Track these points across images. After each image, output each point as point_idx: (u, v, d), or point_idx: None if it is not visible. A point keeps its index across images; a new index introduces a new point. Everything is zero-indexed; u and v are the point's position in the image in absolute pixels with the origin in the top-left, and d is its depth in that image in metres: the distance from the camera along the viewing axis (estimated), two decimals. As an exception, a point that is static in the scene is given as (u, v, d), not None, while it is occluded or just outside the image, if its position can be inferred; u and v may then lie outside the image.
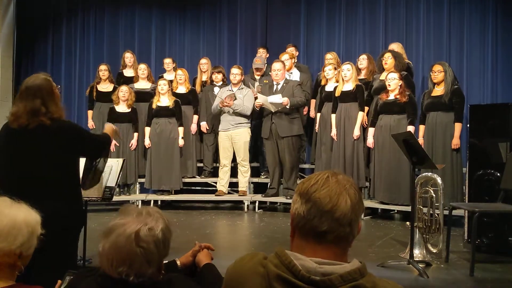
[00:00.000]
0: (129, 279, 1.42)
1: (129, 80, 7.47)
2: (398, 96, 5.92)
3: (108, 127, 3.18)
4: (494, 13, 7.19)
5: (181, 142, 7.01)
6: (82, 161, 3.05)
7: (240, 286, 1.28)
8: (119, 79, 7.54)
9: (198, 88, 7.47)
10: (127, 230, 1.43)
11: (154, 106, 6.96)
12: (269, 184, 6.96)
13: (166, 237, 1.48)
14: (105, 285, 1.46)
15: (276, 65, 6.69)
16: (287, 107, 6.50)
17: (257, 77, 7.31)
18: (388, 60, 6.25)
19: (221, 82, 7.25)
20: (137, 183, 7.23)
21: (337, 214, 1.24)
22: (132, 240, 1.42)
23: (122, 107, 6.98)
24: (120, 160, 3.69)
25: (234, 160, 7.07)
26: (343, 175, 1.31)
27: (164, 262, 1.93)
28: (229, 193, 7.15)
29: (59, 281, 1.79)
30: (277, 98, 6.48)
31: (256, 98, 6.70)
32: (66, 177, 2.76)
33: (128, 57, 7.64)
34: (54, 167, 2.70)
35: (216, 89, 7.12)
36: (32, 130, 2.68)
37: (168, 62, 7.65)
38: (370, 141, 6.21)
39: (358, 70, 6.69)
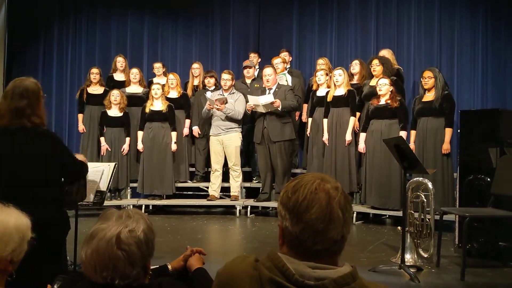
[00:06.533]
0: (114, 282, 1.41)
1: (120, 84, 7.42)
2: (389, 101, 5.95)
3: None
4: (484, 20, 7.25)
5: (174, 147, 6.99)
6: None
7: (231, 288, 1.26)
8: (109, 83, 7.48)
9: (189, 92, 7.46)
10: (107, 234, 1.42)
11: (147, 110, 6.94)
12: (261, 188, 6.96)
13: (148, 238, 1.46)
14: None
15: (266, 71, 6.69)
16: (279, 109, 6.50)
17: (248, 81, 7.31)
18: (376, 67, 6.29)
19: (214, 87, 7.25)
20: (129, 187, 7.20)
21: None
22: (113, 243, 1.40)
23: (114, 111, 6.94)
24: (112, 165, 3.66)
25: (226, 164, 7.05)
26: (331, 181, 1.27)
27: (156, 266, 1.93)
28: (221, 197, 7.13)
29: (49, 286, 1.77)
30: (269, 98, 6.48)
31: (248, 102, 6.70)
32: (47, 181, 2.71)
33: (120, 61, 7.60)
34: (36, 170, 2.66)
35: (208, 94, 7.11)
36: (13, 131, 2.64)
37: (158, 67, 7.61)
38: (361, 146, 6.22)
39: (351, 75, 6.72)
